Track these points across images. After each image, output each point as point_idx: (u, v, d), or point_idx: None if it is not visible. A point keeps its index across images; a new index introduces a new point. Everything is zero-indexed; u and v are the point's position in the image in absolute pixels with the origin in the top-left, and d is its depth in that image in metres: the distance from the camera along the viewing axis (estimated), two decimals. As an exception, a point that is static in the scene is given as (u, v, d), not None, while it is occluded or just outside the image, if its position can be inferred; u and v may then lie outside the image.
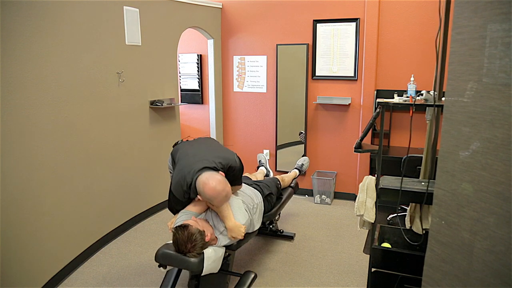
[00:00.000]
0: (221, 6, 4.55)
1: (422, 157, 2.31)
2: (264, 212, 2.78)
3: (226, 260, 2.45)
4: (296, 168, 3.63)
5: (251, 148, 4.72)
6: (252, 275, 2.46)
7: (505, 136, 1.11)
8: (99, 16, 3.05)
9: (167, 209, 4.08)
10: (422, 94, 2.11)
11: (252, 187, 2.79)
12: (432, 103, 2.05)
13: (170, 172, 2.70)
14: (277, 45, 4.33)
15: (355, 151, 2.44)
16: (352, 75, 4.09)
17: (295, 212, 4.07)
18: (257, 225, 2.61)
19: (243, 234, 2.31)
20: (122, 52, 3.34)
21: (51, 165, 2.69)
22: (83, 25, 2.90)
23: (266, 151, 4.66)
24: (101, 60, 3.12)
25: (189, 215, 2.40)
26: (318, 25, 4.12)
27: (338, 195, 4.44)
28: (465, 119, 1.24)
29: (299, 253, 3.19)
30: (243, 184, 2.75)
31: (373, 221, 2.43)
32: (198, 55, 4.89)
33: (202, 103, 5.00)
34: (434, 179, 1.57)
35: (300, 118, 4.41)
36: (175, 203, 2.45)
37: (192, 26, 4.23)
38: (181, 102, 5.02)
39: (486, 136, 1.17)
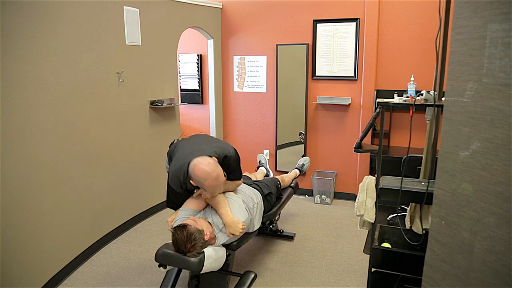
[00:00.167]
0: (221, 6, 4.55)
1: (422, 157, 2.31)
2: (264, 212, 2.78)
3: (226, 260, 2.45)
4: (296, 168, 3.63)
5: (251, 148, 4.72)
6: (252, 275, 2.46)
7: (505, 136, 1.11)
8: (99, 16, 3.05)
9: (167, 208, 4.11)
10: (422, 94, 2.11)
11: (252, 187, 2.79)
12: (432, 103, 2.05)
13: (168, 172, 2.70)
14: (277, 45, 4.33)
15: (355, 151, 2.44)
16: (352, 75, 4.09)
17: (295, 212, 4.07)
18: (257, 225, 2.61)
19: (242, 231, 2.30)
20: (122, 52, 3.34)
21: (51, 165, 2.69)
22: (83, 25, 2.90)
23: (266, 151, 4.66)
24: (101, 60, 3.12)
25: (188, 212, 2.41)
26: (318, 25, 4.12)
27: (338, 195, 4.44)
28: (465, 119, 1.24)
29: (299, 253, 3.19)
30: (243, 184, 2.75)
31: (373, 221, 2.43)
32: (198, 55, 4.89)
33: (202, 103, 5.01)
34: (434, 179, 1.57)
35: (300, 118, 4.41)
36: (174, 196, 2.46)
37: (192, 26, 4.23)
38: (181, 102, 5.02)
39: (486, 136, 1.17)
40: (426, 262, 1.45)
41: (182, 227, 2.14)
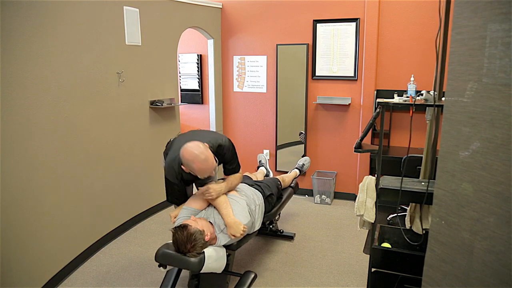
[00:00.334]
0: (221, 6, 4.55)
1: (422, 157, 2.31)
2: (264, 213, 2.78)
3: (226, 260, 2.45)
4: (296, 168, 3.63)
5: (251, 148, 4.72)
6: (252, 275, 2.46)
7: (505, 136, 1.11)
8: (99, 16, 3.05)
9: (167, 208, 4.11)
10: (422, 94, 2.11)
11: (254, 187, 2.79)
12: (432, 103, 2.05)
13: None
14: (277, 45, 4.33)
15: (355, 151, 2.44)
16: (352, 75, 4.09)
17: (295, 212, 4.07)
18: (257, 226, 2.61)
19: (243, 233, 2.30)
20: (122, 52, 3.34)
21: (51, 165, 2.69)
22: (83, 25, 2.90)
23: (266, 151, 4.66)
24: (101, 60, 3.12)
25: (189, 211, 2.41)
26: (318, 25, 4.12)
27: (338, 195, 4.44)
28: (465, 119, 1.24)
29: (299, 253, 3.19)
30: (244, 184, 2.75)
31: (373, 221, 2.43)
32: (198, 55, 4.89)
33: (202, 103, 5.01)
34: (434, 179, 1.57)
35: (300, 118, 4.41)
36: (172, 190, 2.47)
37: (192, 26, 4.23)
38: (181, 102, 5.02)
39: (486, 136, 1.17)
40: (426, 262, 1.45)
41: (183, 227, 2.14)
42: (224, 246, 2.35)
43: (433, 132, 2.18)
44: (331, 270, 2.93)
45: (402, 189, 2.06)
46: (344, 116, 4.24)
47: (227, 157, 2.48)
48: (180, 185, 2.44)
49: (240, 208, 2.41)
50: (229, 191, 2.53)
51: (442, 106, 1.88)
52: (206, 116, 4.93)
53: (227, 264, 2.47)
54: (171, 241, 2.21)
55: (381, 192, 2.14)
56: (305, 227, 3.70)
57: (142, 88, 3.64)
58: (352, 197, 4.31)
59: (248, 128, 4.74)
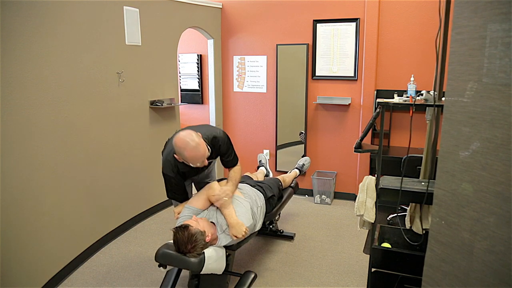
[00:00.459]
0: (221, 6, 4.55)
1: (422, 157, 2.31)
2: (265, 213, 2.78)
3: (226, 260, 2.45)
4: (296, 168, 3.63)
5: (251, 148, 4.72)
6: (252, 275, 2.46)
7: (505, 136, 1.11)
8: (99, 16, 3.05)
9: (167, 208, 4.11)
10: (422, 94, 2.11)
11: (256, 188, 2.78)
12: (432, 103, 2.05)
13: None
14: (277, 45, 4.33)
15: (355, 151, 2.44)
16: (352, 75, 4.09)
17: (295, 212, 4.07)
18: (258, 227, 2.61)
19: (244, 234, 2.30)
20: (122, 52, 3.34)
21: (51, 165, 2.69)
22: (83, 25, 2.90)
23: (266, 151, 4.66)
24: (101, 60, 3.12)
25: (191, 211, 2.42)
26: (318, 25, 4.12)
27: (338, 195, 4.44)
28: (465, 119, 1.24)
29: (299, 253, 3.19)
30: (247, 185, 2.74)
31: (373, 221, 2.42)
32: (198, 55, 4.89)
33: (202, 103, 5.01)
34: (434, 179, 1.57)
35: (300, 118, 4.41)
36: (170, 185, 2.48)
37: (192, 26, 4.23)
38: (181, 102, 5.02)
39: (486, 136, 1.17)
40: (426, 262, 1.45)
41: (184, 227, 2.14)
42: (225, 246, 2.35)
43: (433, 132, 2.18)
44: (331, 270, 2.92)
45: (402, 189, 2.06)
46: (344, 116, 4.24)
47: (222, 149, 2.49)
48: (177, 178, 2.45)
49: (244, 210, 2.41)
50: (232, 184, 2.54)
51: (442, 106, 1.88)
52: (206, 116, 4.93)
53: (227, 264, 2.47)
54: (171, 241, 2.21)
55: (381, 192, 2.14)
56: (305, 227, 3.70)
57: (142, 88, 3.64)
58: (352, 197, 4.31)
59: (248, 128, 4.74)
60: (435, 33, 2.00)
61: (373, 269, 2.30)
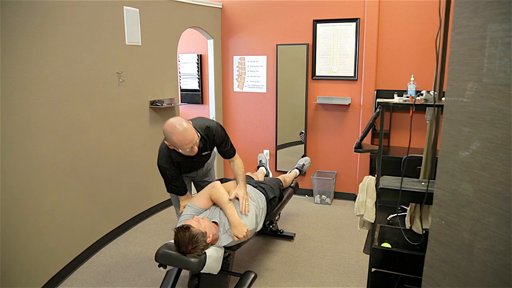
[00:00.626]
0: (221, 6, 4.55)
1: (422, 157, 2.31)
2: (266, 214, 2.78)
3: (226, 260, 2.45)
4: (296, 168, 3.63)
5: (251, 148, 4.72)
6: (252, 275, 2.46)
7: (505, 136, 1.11)
8: (99, 16, 3.05)
9: (167, 208, 4.11)
10: (422, 94, 2.11)
11: (258, 189, 2.78)
12: (432, 103, 2.05)
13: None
14: (277, 45, 4.33)
15: (355, 151, 2.44)
16: (352, 75, 4.09)
17: (295, 212, 4.07)
18: (258, 228, 2.61)
19: (245, 235, 2.29)
20: (122, 52, 3.34)
21: (51, 165, 2.69)
22: (83, 25, 2.90)
23: (266, 151, 4.66)
24: (101, 60, 3.12)
25: (194, 209, 2.43)
26: (318, 25, 4.12)
27: (338, 195, 4.44)
28: (465, 119, 1.24)
29: (299, 253, 3.19)
30: (249, 186, 2.74)
31: (373, 221, 2.42)
32: (198, 55, 4.89)
33: (202, 103, 5.00)
34: (434, 179, 1.57)
35: (300, 118, 4.41)
36: (166, 176, 2.50)
37: (192, 26, 4.23)
38: (181, 102, 5.02)
39: (486, 136, 1.17)
40: (426, 262, 1.45)
41: (185, 228, 2.14)
42: (225, 247, 2.35)
43: (433, 132, 2.18)
44: (331, 270, 2.92)
45: (402, 189, 2.06)
46: (344, 116, 4.24)
47: (217, 139, 2.50)
48: (172, 169, 2.45)
49: (249, 214, 2.41)
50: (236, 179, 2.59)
51: (442, 106, 1.88)
52: (206, 116, 4.93)
53: (227, 264, 2.47)
54: (172, 241, 2.21)
55: (381, 192, 2.14)
56: (305, 227, 3.70)
57: (142, 88, 3.64)
58: (352, 197, 4.31)
59: (248, 128, 4.74)
60: (435, 33, 2.00)
61: (373, 269, 2.30)
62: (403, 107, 3.83)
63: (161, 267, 2.21)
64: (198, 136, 2.31)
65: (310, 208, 4.21)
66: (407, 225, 2.39)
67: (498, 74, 1.13)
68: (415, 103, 2.06)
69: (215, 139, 2.49)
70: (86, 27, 2.93)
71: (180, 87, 5.06)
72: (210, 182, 2.71)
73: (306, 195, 4.56)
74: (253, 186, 2.79)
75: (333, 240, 3.41)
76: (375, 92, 3.98)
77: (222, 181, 2.75)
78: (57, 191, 2.77)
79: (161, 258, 2.18)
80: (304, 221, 3.85)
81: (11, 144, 2.36)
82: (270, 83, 4.49)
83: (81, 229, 3.04)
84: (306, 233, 3.57)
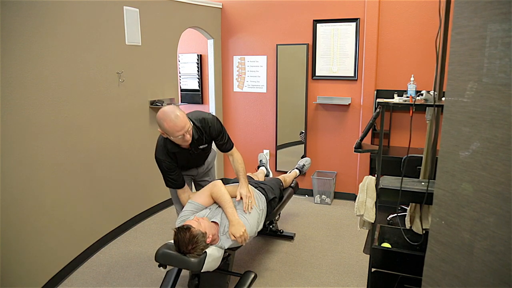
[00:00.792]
0: (221, 6, 4.55)
1: (422, 157, 2.31)
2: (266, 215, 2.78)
3: (226, 260, 2.45)
4: (296, 168, 3.63)
5: (251, 148, 4.72)
6: (252, 275, 2.46)
7: (505, 136, 1.11)
8: (99, 16, 3.05)
9: (167, 208, 4.11)
10: (422, 94, 2.11)
11: (258, 190, 2.78)
12: (432, 103, 2.05)
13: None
14: (277, 45, 4.33)
15: (355, 151, 2.44)
16: (352, 75, 4.09)
17: (295, 212, 4.07)
18: (258, 228, 2.60)
19: (242, 235, 2.28)
20: (122, 52, 3.34)
21: (51, 165, 2.69)
22: (83, 25, 2.90)
23: (266, 151, 4.66)
24: (101, 60, 3.12)
25: (194, 206, 2.44)
26: (318, 25, 4.12)
27: (338, 195, 4.44)
28: (465, 119, 1.24)
29: (299, 253, 3.19)
30: (250, 186, 2.74)
31: (373, 221, 2.43)
32: (198, 55, 4.89)
33: (202, 103, 5.00)
34: (434, 179, 1.57)
35: (300, 118, 4.41)
36: (163, 169, 2.50)
37: (192, 26, 4.23)
38: (181, 102, 5.02)
39: (486, 136, 1.17)
40: (426, 262, 1.45)
41: (186, 228, 2.14)
42: (224, 247, 2.34)
43: (433, 132, 2.18)
44: (331, 270, 2.92)
45: (402, 189, 2.06)
46: (344, 116, 4.24)
47: (213, 131, 2.49)
48: (168, 160, 2.46)
49: (252, 215, 2.41)
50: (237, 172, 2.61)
51: (442, 106, 1.88)
52: (206, 116, 4.92)
53: (227, 264, 2.47)
54: (171, 241, 2.21)
55: (381, 192, 2.14)
56: (305, 227, 3.70)
57: (142, 88, 3.64)
58: (352, 197, 4.31)
59: (248, 128, 4.74)
60: (435, 33, 2.00)
61: (373, 269, 2.30)
62: (403, 107, 3.83)
63: (161, 267, 2.21)
64: (190, 124, 2.31)
65: (310, 208, 4.21)
66: (407, 225, 2.39)
67: (498, 74, 1.13)
68: (415, 103, 2.06)
69: (211, 131, 2.48)
70: (86, 27, 2.93)
71: (180, 87, 5.06)
72: (210, 182, 2.71)
73: (306, 195, 4.56)
74: (253, 186, 2.79)
75: (333, 240, 3.41)
76: (375, 92, 3.98)
77: (223, 181, 2.75)
78: (57, 191, 2.77)
79: (161, 258, 2.18)
80: (304, 221, 3.85)
81: (11, 144, 2.36)
82: (270, 83, 4.49)
83: (81, 229, 3.04)
84: (306, 233, 3.57)
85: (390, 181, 2.16)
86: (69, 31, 2.77)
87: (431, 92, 2.09)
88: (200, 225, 2.21)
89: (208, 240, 2.19)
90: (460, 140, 1.26)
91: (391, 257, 2.20)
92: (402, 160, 3.18)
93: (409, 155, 3.03)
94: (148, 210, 3.91)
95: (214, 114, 4.71)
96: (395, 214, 3.76)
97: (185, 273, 2.66)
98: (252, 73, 4.56)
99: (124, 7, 3.30)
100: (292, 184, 3.41)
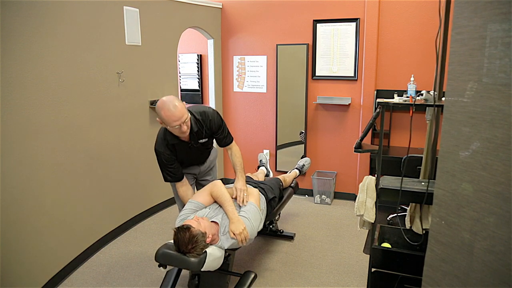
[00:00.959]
0: (221, 6, 4.55)
1: (422, 157, 2.31)
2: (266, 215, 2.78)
3: (226, 260, 2.45)
4: (296, 168, 3.63)
5: (251, 148, 4.72)
6: (252, 275, 2.46)
7: (505, 136, 1.11)
8: (99, 16, 3.05)
9: (167, 208, 4.11)
10: (422, 94, 2.11)
11: (258, 190, 2.77)
12: (432, 103, 2.05)
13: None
14: (277, 45, 4.33)
15: (355, 151, 2.44)
16: (352, 75, 4.09)
17: (295, 212, 4.07)
18: (258, 229, 2.60)
19: (241, 232, 2.28)
20: (122, 52, 3.34)
21: (51, 165, 2.69)
22: (83, 25, 2.90)
23: (266, 151, 4.66)
24: (101, 60, 3.12)
25: (195, 205, 2.44)
26: (318, 25, 4.12)
27: (338, 195, 4.44)
28: (465, 119, 1.24)
29: (299, 253, 3.19)
30: (249, 186, 2.74)
31: (373, 221, 2.43)
32: (198, 55, 4.89)
33: (202, 103, 5.00)
34: (434, 179, 1.57)
35: (300, 118, 4.40)
36: (161, 162, 2.49)
37: (192, 26, 4.23)
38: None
39: (486, 136, 1.17)
40: (426, 262, 1.45)
41: (186, 228, 2.14)
42: (224, 247, 2.34)
43: (433, 132, 2.18)
44: (331, 270, 2.92)
45: (402, 189, 2.06)
46: (344, 116, 4.24)
47: (213, 125, 2.50)
48: (167, 153, 2.45)
49: (253, 216, 2.42)
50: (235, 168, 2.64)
51: (442, 106, 1.89)
52: (206, 116, 4.92)
53: (227, 264, 2.47)
54: (171, 241, 2.21)
55: (381, 192, 2.14)
56: (305, 227, 3.70)
57: (142, 88, 3.64)
58: (352, 197, 4.31)
59: (248, 128, 4.74)
60: (435, 33, 2.00)
61: (373, 269, 2.30)
62: (403, 107, 3.83)
63: (161, 267, 2.21)
64: (188, 116, 2.31)
65: (310, 208, 4.21)
66: (407, 225, 2.39)
67: (498, 74, 1.13)
68: (415, 103, 2.06)
69: (211, 124, 2.49)
70: (86, 27, 2.93)
71: (180, 87, 5.06)
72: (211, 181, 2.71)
73: (306, 195, 4.56)
74: (253, 186, 2.79)
75: (333, 240, 3.41)
76: (375, 92, 3.98)
77: (223, 181, 2.75)
78: (57, 191, 2.77)
79: (161, 258, 2.18)
80: (304, 221, 3.85)
81: (11, 144, 2.36)
82: (270, 83, 4.49)
83: (81, 229, 3.04)
84: (306, 233, 3.57)
85: (390, 181, 2.16)
86: (69, 31, 2.77)
87: (431, 92, 2.09)
88: (199, 224, 2.21)
89: (208, 240, 2.19)
90: (460, 140, 1.26)
91: (391, 257, 2.20)
92: (402, 160, 3.18)
93: (409, 155, 3.03)
94: (148, 210, 3.91)
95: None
96: (395, 214, 3.76)
97: (185, 273, 2.66)
98: (252, 73, 4.56)
99: (124, 7, 3.30)
100: (292, 184, 3.41)
